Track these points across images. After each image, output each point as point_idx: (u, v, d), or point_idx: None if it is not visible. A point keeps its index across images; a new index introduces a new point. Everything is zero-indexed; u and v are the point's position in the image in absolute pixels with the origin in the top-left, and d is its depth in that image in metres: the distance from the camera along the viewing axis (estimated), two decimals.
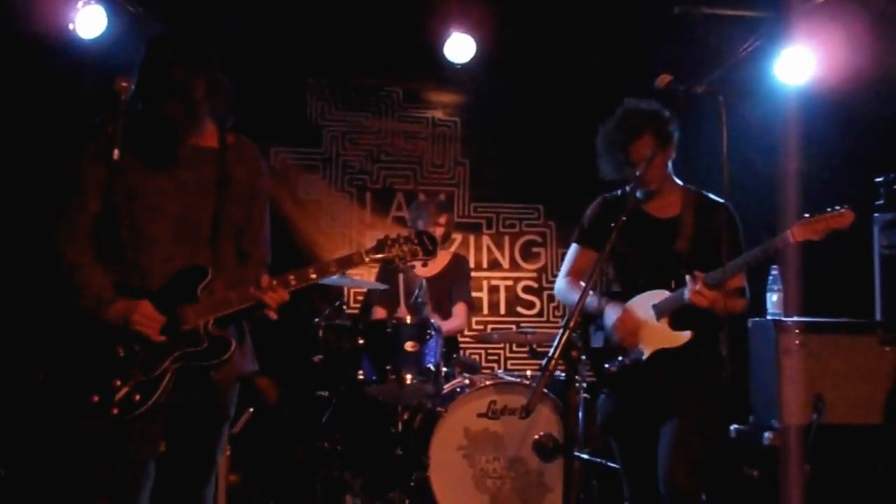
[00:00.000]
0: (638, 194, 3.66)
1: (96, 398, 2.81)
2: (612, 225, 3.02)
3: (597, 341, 3.73)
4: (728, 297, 3.49)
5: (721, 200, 3.64)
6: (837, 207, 3.40)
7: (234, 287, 2.96)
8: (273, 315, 2.98)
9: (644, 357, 3.59)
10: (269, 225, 3.18)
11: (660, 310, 3.61)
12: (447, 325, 5.49)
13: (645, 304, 3.64)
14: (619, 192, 3.85)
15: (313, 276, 3.00)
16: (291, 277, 2.96)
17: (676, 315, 3.58)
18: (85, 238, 2.92)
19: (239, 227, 3.06)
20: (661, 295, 3.62)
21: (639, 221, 3.61)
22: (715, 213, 3.60)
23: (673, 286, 3.59)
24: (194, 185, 2.99)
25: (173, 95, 2.84)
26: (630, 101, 3.72)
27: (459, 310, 5.70)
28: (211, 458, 3.06)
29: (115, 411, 2.80)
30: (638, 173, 3.52)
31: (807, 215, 3.42)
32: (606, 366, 3.66)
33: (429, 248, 3.11)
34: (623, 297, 3.70)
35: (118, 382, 2.83)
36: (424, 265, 2.94)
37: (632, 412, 3.68)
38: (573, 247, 3.92)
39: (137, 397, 2.82)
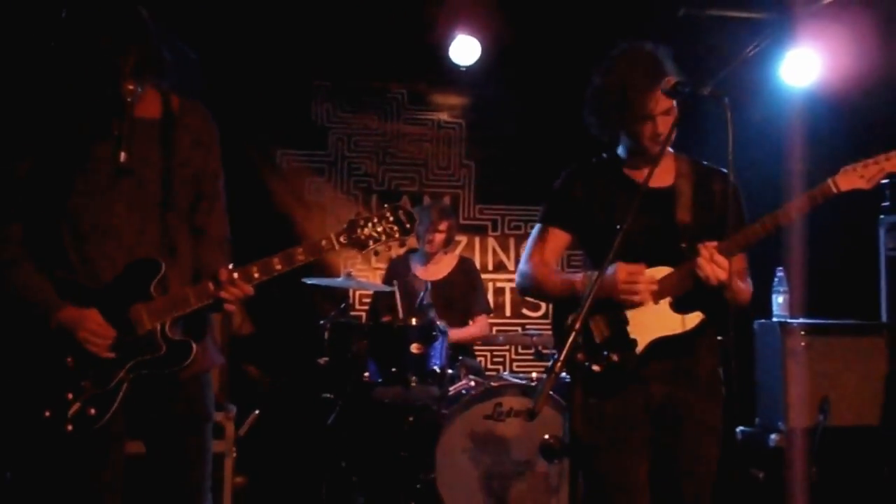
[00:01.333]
0: (621, 154, 3.12)
1: (48, 413, 2.58)
2: (623, 212, 2.60)
3: None
4: (736, 276, 2.91)
5: (719, 168, 3.08)
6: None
7: (191, 277, 2.74)
8: (232, 308, 2.74)
9: (638, 350, 2.95)
10: (226, 195, 2.90)
11: (659, 290, 2.95)
12: (466, 332, 5.61)
13: None
14: (595, 159, 3.25)
15: (279, 266, 2.71)
16: (254, 269, 2.69)
17: (680, 298, 2.96)
18: (17, 227, 2.66)
19: (191, 202, 2.79)
20: (661, 272, 2.97)
21: (629, 192, 2.97)
22: (714, 182, 3.04)
23: (674, 263, 2.96)
24: (136, 163, 2.66)
25: (98, 69, 2.54)
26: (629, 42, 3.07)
27: (481, 321, 5.76)
28: (197, 460, 2.79)
29: (70, 428, 2.58)
30: (658, 130, 2.96)
31: (847, 167, 2.94)
32: (587, 363, 2.97)
33: (406, 226, 2.81)
34: None
35: (70, 396, 2.60)
36: (402, 246, 2.73)
37: (619, 419, 3.01)
38: (538, 227, 3.25)
39: (93, 411, 2.60)
